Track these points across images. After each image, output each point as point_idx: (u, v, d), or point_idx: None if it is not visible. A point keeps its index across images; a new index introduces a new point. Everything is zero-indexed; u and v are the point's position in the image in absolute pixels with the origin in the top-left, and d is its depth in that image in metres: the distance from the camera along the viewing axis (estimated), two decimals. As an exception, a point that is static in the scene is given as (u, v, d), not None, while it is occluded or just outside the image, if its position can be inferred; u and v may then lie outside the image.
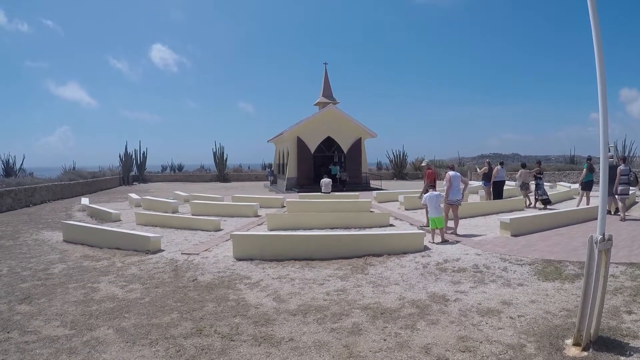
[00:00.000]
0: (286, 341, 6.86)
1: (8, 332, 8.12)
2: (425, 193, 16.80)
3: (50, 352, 7.11)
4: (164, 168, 78.25)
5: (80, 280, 11.40)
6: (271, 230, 17.05)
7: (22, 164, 52.13)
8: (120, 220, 22.16)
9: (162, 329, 7.67)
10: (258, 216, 22.23)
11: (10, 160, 51.24)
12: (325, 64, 49.00)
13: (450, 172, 16.81)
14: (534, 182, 24.01)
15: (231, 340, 7.02)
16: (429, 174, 17.77)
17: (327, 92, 47.38)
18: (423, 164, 19.01)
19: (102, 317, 8.54)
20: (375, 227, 17.71)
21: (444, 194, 15.91)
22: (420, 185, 18.06)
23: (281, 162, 48.58)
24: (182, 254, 13.83)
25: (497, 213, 21.09)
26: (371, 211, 22.07)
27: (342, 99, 51.65)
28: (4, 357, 7.11)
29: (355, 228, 17.34)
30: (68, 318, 8.65)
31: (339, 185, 38.85)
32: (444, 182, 16.81)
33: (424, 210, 17.25)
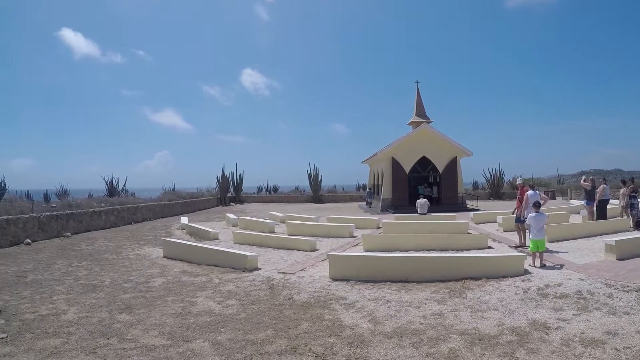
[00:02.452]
0: (381, 364, 6.79)
1: (108, 339, 8.51)
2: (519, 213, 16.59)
3: (147, 359, 7.33)
4: (259, 189, 79.46)
5: (179, 294, 11.77)
6: (367, 251, 16.95)
7: (124, 185, 54.87)
8: (218, 239, 22.65)
9: (257, 345, 7.76)
10: (353, 237, 22.16)
11: (114, 182, 53.90)
12: (417, 82, 47.98)
13: (529, 192, 16.71)
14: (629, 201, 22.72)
15: (324, 359, 7.00)
16: (526, 192, 17.30)
17: (420, 111, 46.26)
18: (518, 182, 18.54)
19: (198, 330, 8.77)
20: (473, 249, 17.24)
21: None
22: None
23: (376, 183, 48.12)
24: (278, 272, 14.00)
25: (601, 234, 19.91)
26: (468, 233, 21.62)
27: (436, 117, 50.76)
28: (102, 361, 7.38)
29: (452, 250, 16.98)
30: (166, 329, 8.95)
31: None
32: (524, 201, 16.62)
33: (521, 231, 16.94)
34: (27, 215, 24.72)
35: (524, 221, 16.18)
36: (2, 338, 8.88)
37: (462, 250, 17.04)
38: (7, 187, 50.92)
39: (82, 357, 7.70)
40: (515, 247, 16.92)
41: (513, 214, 17.73)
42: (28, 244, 22.80)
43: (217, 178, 63.67)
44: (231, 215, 33.30)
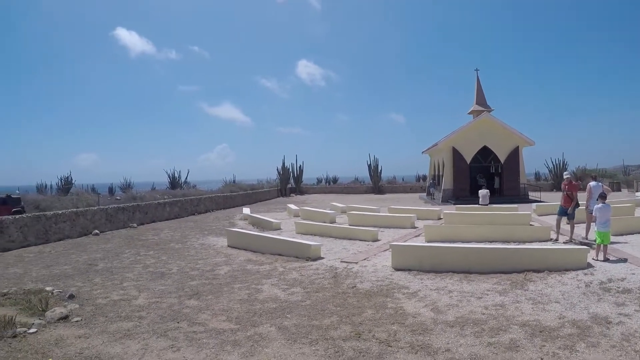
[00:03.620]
0: (442, 351, 6.90)
1: (178, 322, 8.96)
2: (575, 206, 16.34)
3: (216, 342, 7.72)
4: (319, 180, 79.71)
5: (245, 281, 12.16)
6: (429, 241, 16.97)
7: (186, 178, 55.95)
8: (281, 229, 23.01)
9: (322, 330, 8.01)
10: (415, 228, 22.24)
11: (176, 174, 54.93)
12: (477, 70, 47.23)
13: (592, 183, 16.63)
14: None
15: (388, 346, 7.18)
16: (575, 186, 16.92)
17: (481, 100, 45.61)
18: (567, 176, 17.73)
19: (265, 316, 9.09)
20: (535, 241, 17.03)
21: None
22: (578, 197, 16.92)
23: (436, 174, 47.55)
24: (341, 262, 14.23)
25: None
26: (531, 224, 21.39)
27: (496, 106, 49.36)
28: (174, 343, 7.82)
29: (514, 242, 16.82)
30: (233, 314, 9.32)
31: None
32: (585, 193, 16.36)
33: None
34: (95, 208, 25.68)
35: (574, 216, 16.03)
36: (77, 321, 9.36)
37: (524, 242, 16.85)
38: (73, 181, 52.55)
39: (153, 339, 8.10)
40: (565, 242, 16.57)
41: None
42: (96, 234, 23.62)
43: (277, 170, 64.44)
44: (292, 206, 33.67)
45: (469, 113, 46.18)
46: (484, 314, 8.70)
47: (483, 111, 42.91)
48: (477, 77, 46.82)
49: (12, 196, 34.71)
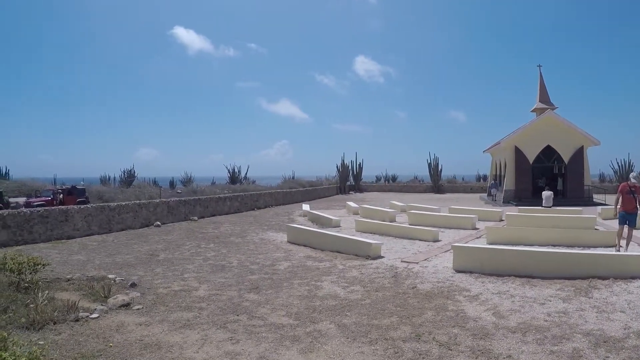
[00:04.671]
0: (504, 358, 6.74)
1: (237, 315, 9.06)
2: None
3: (275, 337, 7.75)
4: (378, 178, 79.56)
5: (304, 277, 12.21)
6: (490, 243, 16.68)
7: (246, 173, 56.62)
8: (340, 227, 23.01)
9: (381, 330, 7.95)
10: (476, 229, 21.90)
11: (236, 170, 55.64)
12: (539, 66, 45.64)
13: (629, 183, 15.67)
14: None
15: (449, 349, 7.06)
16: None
17: (544, 97, 44.20)
18: (634, 180, 16.76)
19: (324, 313, 9.09)
20: (601, 246, 16.45)
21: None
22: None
23: (498, 173, 46.52)
24: (401, 261, 14.13)
25: None
26: (595, 229, 20.82)
27: (561, 103, 46.83)
28: (233, 335, 7.90)
29: (578, 247, 16.28)
30: (293, 309, 9.36)
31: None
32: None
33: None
34: (158, 200, 26.29)
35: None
36: (138, 309, 9.58)
37: (588, 247, 16.35)
38: (136, 174, 53.72)
39: (213, 330, 8.20)
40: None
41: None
42: (158, 226, 24.10)
43: (336, 167, 64.59)
44: (352, 204, 33.65)
45: (532, 111, 44.78)
46: (546, 320, 8.46)
47: (546, 109, 41.46)
48: (540, 73, 45.33)
49: (77, 187, 35.82)
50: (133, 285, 11.48)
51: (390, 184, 72.89)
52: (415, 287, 10.96)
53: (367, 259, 14.44)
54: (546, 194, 30.74)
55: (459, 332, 7.79)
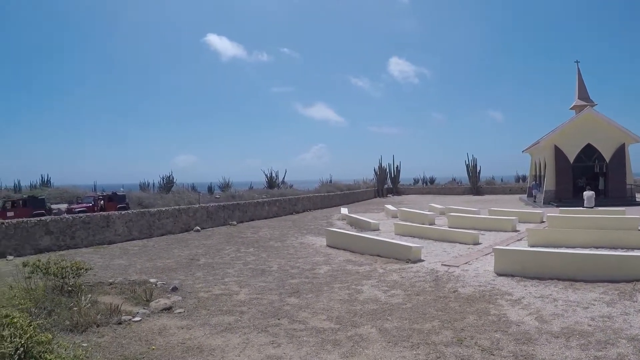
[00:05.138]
0: (547, 363, 6.67)
1: (278, 319, 9.11)
2: None
3: (316, 341, 7.76)
4: (415, 181, 79.23)
5: (345, 281, 12.22)
6: (532, 246, 16.43)
7: (284, 177, 56.86)
8: (379, 230, 22.89)
9: (423, 335, 7.90)
10: (516, 231, 21.56)
11: (273, 174, 55.96)
12: (577, 62, 43.85)
13: None
14: None
15: (491, 354, 6.99)
16: None
17: (583, 94, 42.46)
18: None
19: (365, 317, 9.08)
20: (645, 249, 16.12)
21: None
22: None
23: (537, 174, 45.42)
24: (442, 265, 14.02)
25: None
26: (639, 230, 20.33)
27: (600, 100, 44.24)
28: (274, 339, 7.94)
29: (622, 248, 15.91)
30: (334, 313, 9.37)
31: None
32: None
33: None
34: (197, 205, 26.59)
35: None
36: (179, 312, 9.72)
37: (632, 249, 15.98)
38: (174, 180, 54.36)
39: (254, 334, 8.26)
40: None
41: None
42: (197, 230, 24.32)
43: (374, 170, 64.40)
44: (390, 207, 33.51)
45: (571, 109, 43.22)
46: (590, 325, 8.31)
47: (585, 106, 39.96)
48: (578, 69, 43.48)
49: (118, 193, 36.43)
50: (174, 289, 11.61)
51: (428, 186, 72.51)
52: (457, 291, 10.86)
53: (407, 262, 14.37)
54: (587, 194, 30.14)
55: (502, 337, 7.70)
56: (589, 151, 38.51)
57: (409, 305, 9.73)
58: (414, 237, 19.88)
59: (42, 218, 20.23)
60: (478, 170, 62.53)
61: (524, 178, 62.63)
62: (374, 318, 8.94)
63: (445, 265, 13.95)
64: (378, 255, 15.50)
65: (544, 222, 24.47)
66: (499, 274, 12.44)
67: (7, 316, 5.76)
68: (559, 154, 38.47)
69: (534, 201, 42.00)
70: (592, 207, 28.80)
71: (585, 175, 39.95)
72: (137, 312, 9.56)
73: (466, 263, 14.20)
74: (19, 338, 5.23)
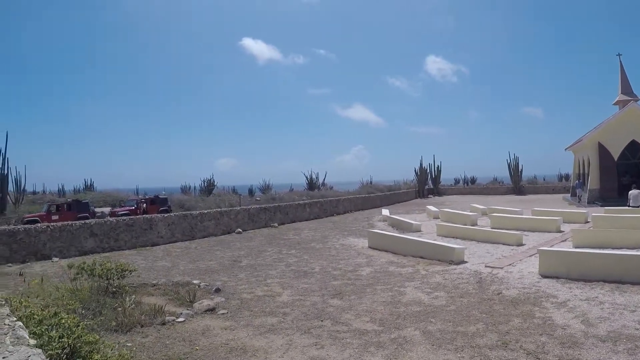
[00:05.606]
0: (594, 368, 6.56)
1: (322, 321, 9.14)
2: None
3: (360, 343, 7.76)
4: (456, 181, 78.64)
5: (387, 283, 12.17)
6: (576, 247, 16.09)
7: (324, 179, 56.99)
8: (421, 231, 22.74)
9: (467, 338, 7.83)
10: (561, 232, 21.15)
11: (313, 176, 56.14)
12: (619, 55, 42.41)
13: None
14: None
15: (536, 358, 6.90)
16: None
17: (626, 89, 41.07)
18: None
19: (408, 319, 9.04)
20: (694, 250, 15.69)
21: None
22: None
23: (581, 172, 44.38)
24: (485, 266, 13.85)
25: None
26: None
27: None
28: (318, 341, 7.97)
29: (671, 250, 15.68)
30: (377, 315, 9.35)
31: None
32: None
33: None
34: (239, 208, 26.89)
35: None
36: (223, 313, 9.82)
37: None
38: (215, 183, 54.88)
39: (297, 335, 8.29)
40: None
41: None
42: (239, 232, 24.52)
43: (414, 170, 64.09)
44: (432, 208, 33.30)
45: (615, 104, 41.63)
46: (637, 329, 8.11)
47: (629, 101, 38.41)
48: (620, 63, 41.99)
49: (160, 196, 36.82)
50: (217, 290, 11.72)
51: (469, 186, 71.86)
52: (501, 293, 10.73)
53: (450, 264, 14.25)
54: (634, 193, 29.40)
55: (547, 341, 7.58)
56: (634, 148, 37.15)
57: (453, 308, 9.66)
58: (456, 238, 19.69)
59: (87, 221, 20.64)
60: (520, 169, 61.54)
61: (567, 177, 61.53)
62: (418, 320, 8.90)
63: (488, 266, 13.79)
64: (420, 257, 15.41)
65: (588, 222, 24.01)
66: (544, 276, 12.23)
67: (55, 316, 5.86)
68: (602, 151, 37.33)
69: (578, 201, 40.97)
70: (638, 207, 28.15)
71: (630, 173, 38.81)
72: (181, 313, 9.68)
73: (510, 264, 14.01)
74: (67, 338, 5.31)
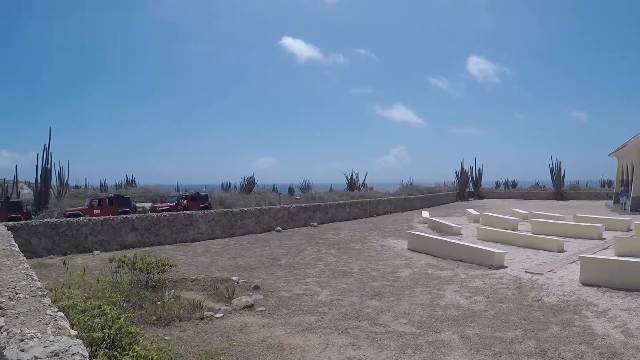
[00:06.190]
0: (633, 379, 6.45)
1: (359, 321, 9.14)
2: None
3: (397, 345, 7.76)
4: (497, 184, 78.01)
5: (426, 286, 12.10)
6: (619, 255, 15.76)
7: (364, 180, 57.17)
8: (461, 234, 22.58)
9: (505, 344, 7.75)
10: (602, 239, 20.75)
11: (354, 176, 56.34)
12: None
13: None
14: None
15: (575, 367, 6.80)
16: None
17: None
18: None
19: (447, 322, 8.99)
20: None
21: None
22: None
23: (625, 179, 43.25)
24: (525, 272, 13.63)
25: None
26: None
27: None
28: (355, 341, 7.98)
29: None
30: (415, 318, 9.32)
31: None
32: None
33: None
34: (279, 206, 27.09)
35: None
36: (261, 310, 9.91)
37: None
38: (256, 181, 55.37)
39: (334, 335, 8.32)
40: None
41: None
42: (278, 231, 24.61)
43: (455, 172, 63.61)
44: (472, 211, 33.04)
45: None
46: (679, 342, 7.92)
47: None
48: None
49: (201, 193, 37.29)
50: (256, 287, 11.81)
51: (510, 190, 71.02)
52: (540, 299, 10.58)
53: (490, 268, 14.11)
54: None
55: (586, 350, 7.47)
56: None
57: (492, 313, 9.56)
58: (496, 242, 19.47)
59: (128, 216, 21.06)
60: (562, 174, 60.51)
61: (610, 183, 60.53)
62: (456, 324, 8.84)
63: (529, 272, 13.59)
64: (460, 260, 15.29)
65: (631, 230, 23.54)
66: (585, 284, 12.00)
67: (99, 307, 5.99)
68: (646, 156, 36.55)
69: (622, 208, 40.07)
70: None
71: None
72: (219, 309, 9.80)
73: (550, 271, 13.80)
74: (108, 329, 5.43)
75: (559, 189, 59.64)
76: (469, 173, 64.31)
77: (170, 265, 11.63)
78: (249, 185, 54.59)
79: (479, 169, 65.58)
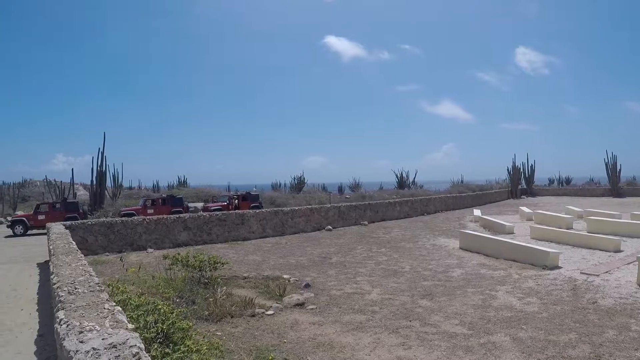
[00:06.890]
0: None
1: (410, 321, 9.08)
2: None
3: (448, 345, 7.68)
4: (550, 181, 76.71)
5: (478, 286, 11.94)
6: (677, 257, 15.42)
7: (414, 178, 56.88)
8: (514, 233, 22.22)
9: (558, 347, 7.57)
10: (661, 240, 20.24)
11: (403, 175, 56.13)
12: None
13: None
14: None
15: (630, 374, 6.64)
16: None
17: None
18: None
19: (499, 324, 8.84)
20: None
21: None
22: None
23: None
24: (580, 273, 13.27)
25: None
26: None
27: None
28: (405, 341, 7.94)
29: None
30: (466, 319, 9.19)
31: None
32: None
33: None
34: (329, 205, 27.19)
35: None
36: (311, 309, 9.97)
37: None
38: (305, 181, 55.66)
39: (385, 334, 8.29)
40: None
41: None
42: (329, 229, 24.67)
43: (507, 169, 62.80)
44: (525, 209, 32.49)
45: None
46: None
47: None
48: None
49: (251, 193, 37.75)
50: (307, 285, 11.88)
51: (564, 187, 69.78)
52: (596, 302, 10.28)
53: (543, 269, 13.83)
54: None
55: (643, 356, 7.24)
56: None
57: (545, 315, 9.36)
58: (550, 241, 19.08)
59: (181, 215, 21.61)
60: (618, 170, 58.81)
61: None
62: (508, 326, 8.68)
63: (584, 273, 13.25)
64: (513, 260, 15.02)
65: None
66: (643, 286, 11.67)
67: (153, 303, 6.10)
68: None
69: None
70: None
71: None
72: (270, 306, 9.89)
73: (607, 272, 13.42)
74: (161, 324, 5.52)
75: (615, 185, 57.95)
76: (521, 169, 63.39)
77: (222, 263, 11.79)
78: (299, 184, 54.84)
79: (531, 165, 64.74)
